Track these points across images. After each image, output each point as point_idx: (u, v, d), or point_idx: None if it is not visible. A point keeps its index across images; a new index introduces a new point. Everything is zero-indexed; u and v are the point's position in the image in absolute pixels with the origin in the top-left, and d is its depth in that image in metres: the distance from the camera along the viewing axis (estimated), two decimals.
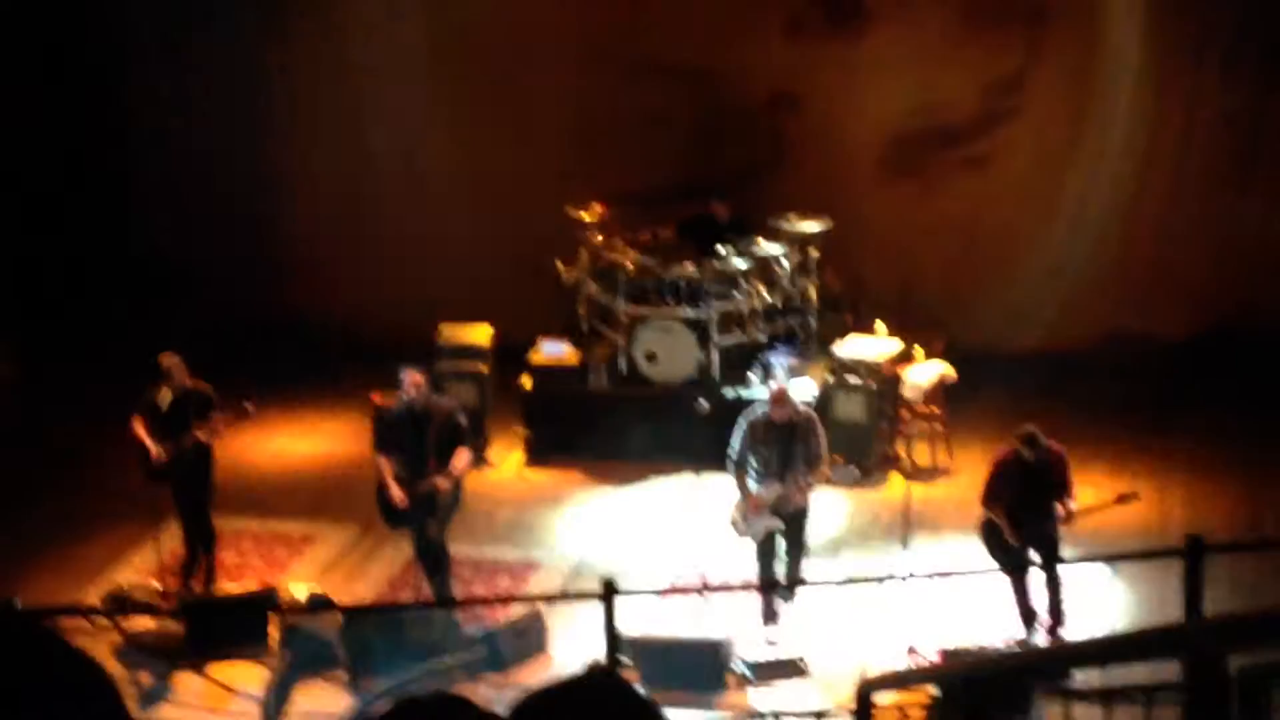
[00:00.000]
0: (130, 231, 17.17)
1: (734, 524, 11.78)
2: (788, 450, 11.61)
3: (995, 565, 11.28)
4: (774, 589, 11.78)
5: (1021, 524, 11.05)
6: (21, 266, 16.54)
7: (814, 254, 14.60)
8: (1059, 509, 10.98)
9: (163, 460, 11.91)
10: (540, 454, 14.56)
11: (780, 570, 11.85)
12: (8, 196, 16.64)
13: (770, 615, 11.74)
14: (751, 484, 11.67)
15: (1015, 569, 11.18)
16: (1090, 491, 11.38)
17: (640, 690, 3.15)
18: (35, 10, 16.81)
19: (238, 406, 12.06)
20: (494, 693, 10.67)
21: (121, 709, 2.84)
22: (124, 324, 15.85)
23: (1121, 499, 11.09)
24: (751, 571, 11.84)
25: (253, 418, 12.48)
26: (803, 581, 11.93)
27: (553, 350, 14.61)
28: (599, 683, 3.24)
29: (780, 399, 11.70)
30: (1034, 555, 11.23)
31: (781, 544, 11.79)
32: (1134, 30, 15.29)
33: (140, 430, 12.00)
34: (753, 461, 11.70)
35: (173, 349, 12.16)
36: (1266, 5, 15.06)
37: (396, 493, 11.60)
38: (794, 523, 11.76)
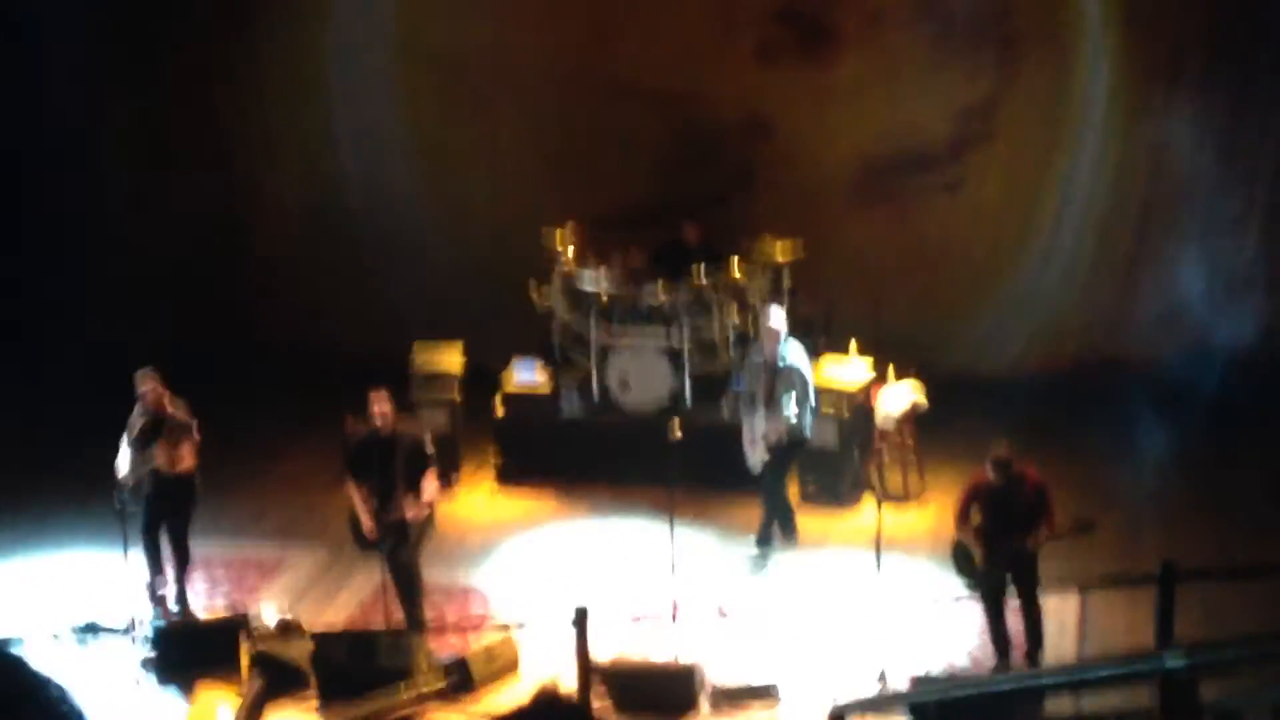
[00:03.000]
0: (102, 251, 17.09)
1: (745, 452, 12.97)
2: (771, 389, 12.65)
3: (967, 590, 11.24)
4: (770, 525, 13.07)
5: (992, 547, 11.00)
6: None
7: (786, 279, 14.59)
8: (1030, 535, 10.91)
9: (125, 484, 11.82)
10: (512, 479, 14.54)
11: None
12: None
13: (765, 539, 13.06)
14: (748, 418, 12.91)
15: (987, 594, 11.15)
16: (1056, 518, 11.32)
17: (590, 714, 3.11)
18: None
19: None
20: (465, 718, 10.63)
21: None
22: (92, 345, 15.76)
23: (1080, 528, 10.92)
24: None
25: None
26: (792, 530, 13.11)
27: (525, 372, 14.57)
28: (550, 708, 3.21)
29: (770, 335, 12.71)
30: (1009, 579, 11.18)
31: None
32: (1106, 54, 15.36)
33: (122, 450, 11.95)
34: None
35: (146, 369, 12.09)
36: (1238, 29, 15.14)
37: (367, 522, 11.56)
38: (776, 455, 12.81)
